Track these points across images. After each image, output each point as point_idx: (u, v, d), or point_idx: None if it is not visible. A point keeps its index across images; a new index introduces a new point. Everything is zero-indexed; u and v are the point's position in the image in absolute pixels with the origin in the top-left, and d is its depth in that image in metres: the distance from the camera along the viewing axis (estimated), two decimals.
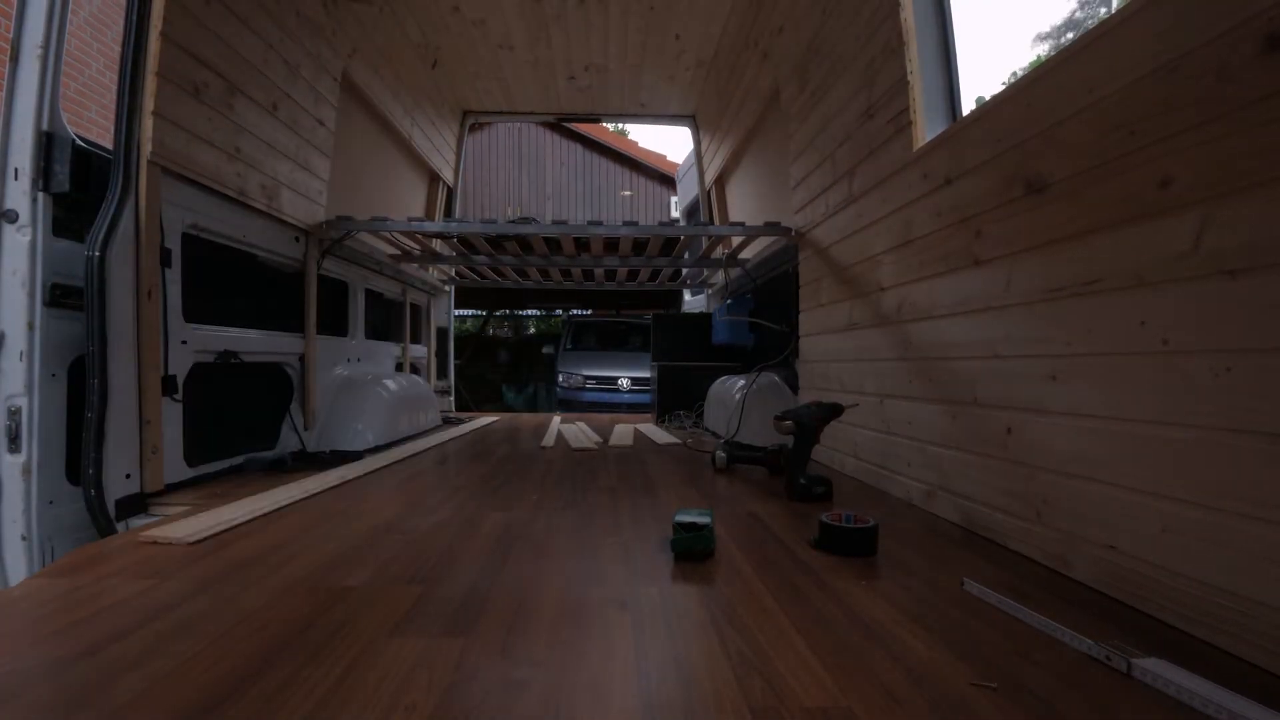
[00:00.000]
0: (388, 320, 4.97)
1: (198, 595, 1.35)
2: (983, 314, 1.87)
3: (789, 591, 1.41)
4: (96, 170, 2.18)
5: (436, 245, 4.83)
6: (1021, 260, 1.69)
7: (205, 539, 1.75)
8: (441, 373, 6.14)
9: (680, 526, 1.66)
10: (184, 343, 2.52)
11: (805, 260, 3.41)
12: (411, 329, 5.24)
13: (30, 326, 2.02)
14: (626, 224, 4.10)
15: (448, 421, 5.10)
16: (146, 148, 2.24)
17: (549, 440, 4.01)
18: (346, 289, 4.13)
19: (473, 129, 6.75)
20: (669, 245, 4.65)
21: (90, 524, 2.09)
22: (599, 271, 5.27)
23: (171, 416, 2.42)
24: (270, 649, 1.09)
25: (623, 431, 4.51)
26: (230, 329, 2.85)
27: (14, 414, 2.00)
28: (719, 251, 4.82)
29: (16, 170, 2.04)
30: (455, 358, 6.62)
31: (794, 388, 3.52)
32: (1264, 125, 1.06)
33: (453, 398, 6.37)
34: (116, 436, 2.15)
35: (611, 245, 4.69)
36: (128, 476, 2.21)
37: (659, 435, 4.29)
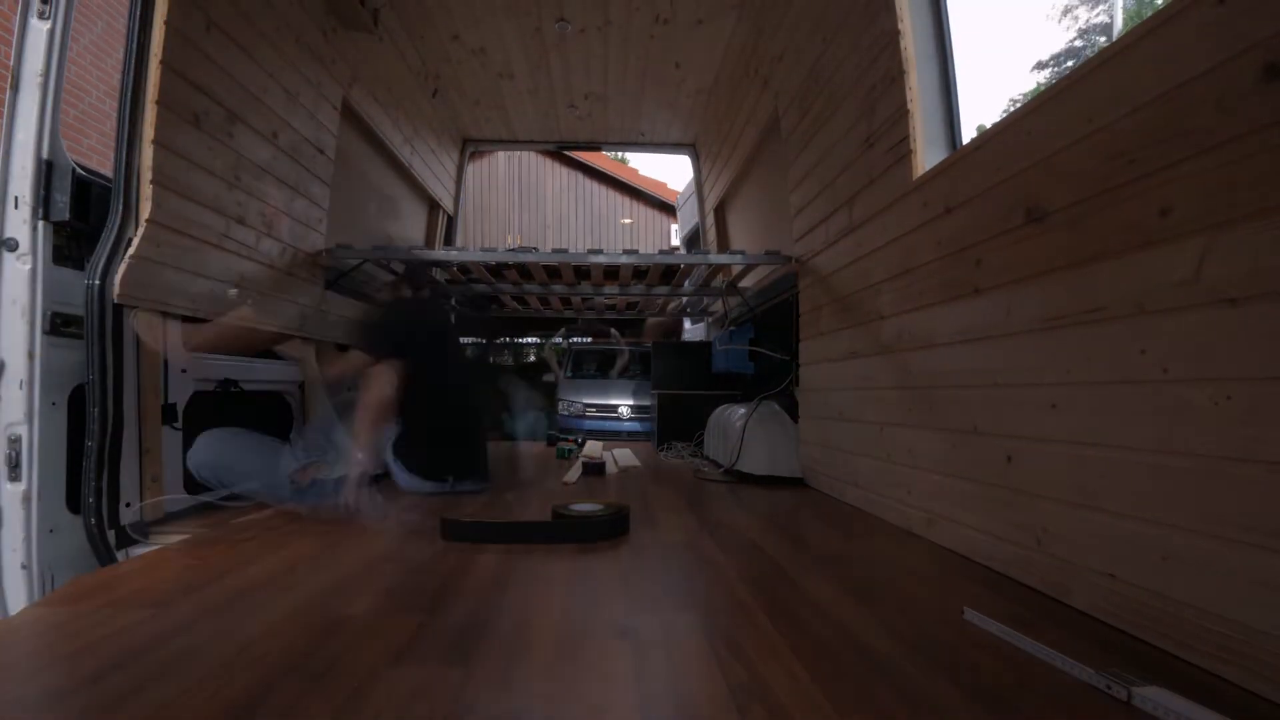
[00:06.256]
0: None
1: (198, 624, 1.34)
2: (983, 342, 1.87)
3: (789, 620, 1.40)
4: (96, 198, 2.19)
5: (436, 274, 4.84)
6: (1021, 289, 1.70)
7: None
8: None
9: None
10: (184, 371, 2.52)
11: (805, 288, 3.42)
12: None
13: (30, 355, 2.02)
14: (627, 252, 4.12)
15: None
16: (146, 175, 2.25)
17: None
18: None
19: (473, 157, 6.79)
20: (669, 273, 4.66)
21: (90, 553, 2.08)
22: (599, 300, 5.28)
23: (172, 445, 2.42)
24: (271, 678, 1.08)
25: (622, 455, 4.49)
26: (231, 357, 2.85)
27: (14, 442, 1.99)
28: (719, 280, 4.83)
29: (16, 199, 2.05)
30: None
31: (794, 416, 3.51)
32: (1264, 154, 1.07)
33: None
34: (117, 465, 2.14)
35: (611, 273, 4.70)
36: (128, 505, 2.20)
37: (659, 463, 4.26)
